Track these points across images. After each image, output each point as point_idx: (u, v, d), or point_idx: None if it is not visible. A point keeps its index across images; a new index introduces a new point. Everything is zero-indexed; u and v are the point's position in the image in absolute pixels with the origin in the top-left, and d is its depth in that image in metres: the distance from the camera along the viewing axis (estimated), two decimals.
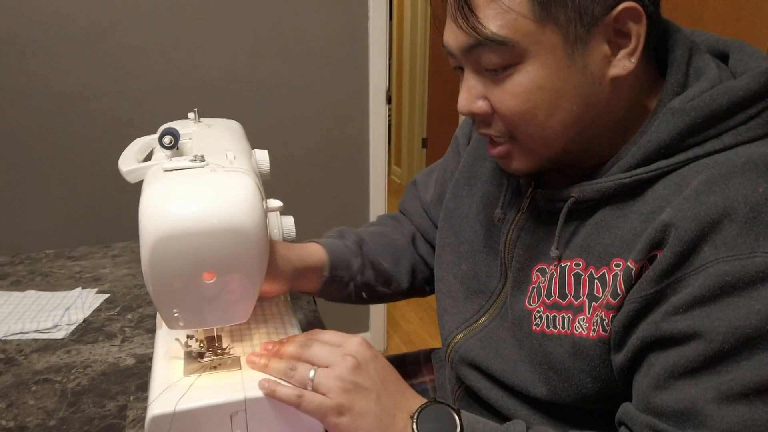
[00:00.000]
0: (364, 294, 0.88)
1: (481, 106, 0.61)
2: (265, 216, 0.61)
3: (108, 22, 1.68)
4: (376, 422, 0.60)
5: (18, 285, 1.05)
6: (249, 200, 0.57)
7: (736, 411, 0.50)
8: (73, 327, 0.92)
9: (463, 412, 0.61)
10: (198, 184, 0.58)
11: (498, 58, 0.57)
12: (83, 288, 1.04)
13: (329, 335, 0.66)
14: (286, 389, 0.60)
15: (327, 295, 0.86)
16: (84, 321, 0.94)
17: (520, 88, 0.58)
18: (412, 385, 0.97)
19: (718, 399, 0.51)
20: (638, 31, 0.56)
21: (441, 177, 0.92)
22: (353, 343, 0.64)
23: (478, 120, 0.64)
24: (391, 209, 2.19)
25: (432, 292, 0.95)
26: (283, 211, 0.84)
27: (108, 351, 0.86)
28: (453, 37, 0.60)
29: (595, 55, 0.56)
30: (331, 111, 2.00)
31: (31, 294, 1.01)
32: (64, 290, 1.03)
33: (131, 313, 0.96)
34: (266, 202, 0.67)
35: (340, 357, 0.62)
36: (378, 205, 2.17)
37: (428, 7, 3.79)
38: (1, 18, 1.59)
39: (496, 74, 0.58)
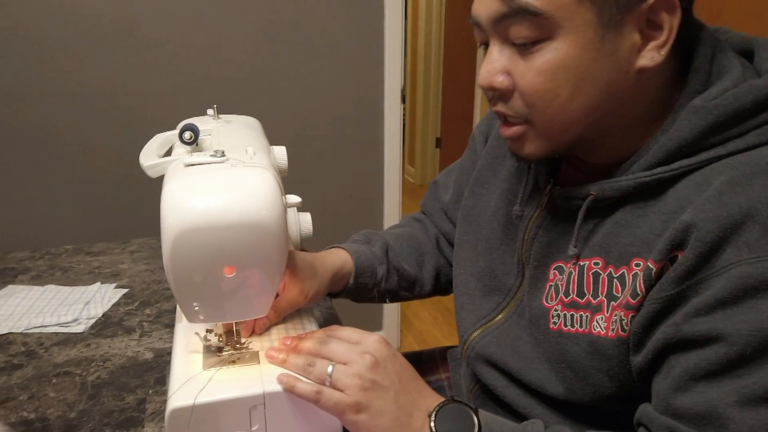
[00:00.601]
0: (387, 299, 0.90)
1: (502, 81, 0.60)
2: (285, 211, 0.62)
3: (129, 20, 1.70)
4: (394, 420, 0.60)
5: (38, 280, 1.07)
6: (269, 195, 0.58)
7: (758, 414, 0.49)
8: (92, 321, 0.93)
9: (481, 411, 0.61)
10: (219, 179, 0.58)
11: (528, 30, 0.55)
12: (102, 283, 1.05)
13: (347, 332, 0.66)
14: (304, 385, 0.61)
15: (347, 297, 0.87)
16: (103, 315, 0.95)
17: (546, 65, 0.56)
18: (428, 382, 0.97)
19: (740, 402, 0.50)
20: (671, 23, 0.55)
21: (459, 177, 0.92)
22: (372, 340, 0.64)
23: (496, 96, 0.62)
24: (404, 208, 2.19)
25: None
26: (300, 209, 0.85)
27: (127, 345, 0.86)
28: (484, 6, 0.58)
29: (626, 42, 0.56)
30: (346, 109, 2.01)
31: (52, 288, 1.02)
32: (84, 285, 1.04)
33: (149, 308, 0.97)
34: (285, 198, 0.67)
35: (358, 354, 0.62)
36: (392, 204, 2.17)
37: (443, 6, 3.78)
38: (27, 17, 1.61)
39: (524, 49, 0.57)
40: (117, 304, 0.98)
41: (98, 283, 1.04)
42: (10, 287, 1.03)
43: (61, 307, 0.95)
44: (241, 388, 0.61)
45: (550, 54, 0.56)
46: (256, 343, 0.69)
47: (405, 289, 0.91)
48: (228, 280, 0.59)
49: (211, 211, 0.55)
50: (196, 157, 0.61)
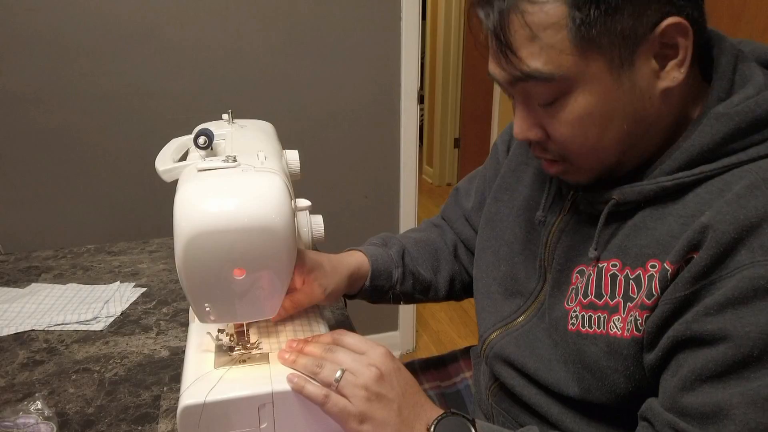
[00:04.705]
0: (401, 301, 0.91)
1: (536, 133, 0.63)
2: (294, 215, 0.63)
3: (149, 24, 1.73)
4: None
5: (61, 278, 1.10)
6: (278, 200, 0.59)
7: (762, 417, 0.50)
8: (111, 319, 0.95)
9: (478, 423, 0.63)
10: (230, 184, 0.60)
11: (545, 91, 0.58)
12: (121, 282, 1.07)
13: (353, 340, 0.67)
14: (314, 388, 0.62)
15: (363, 298, 0.89)
16: (122, 314, 0.97)
17: (571, 116, 0.59)
18: (455, 383, 0.99)
19: (744, 404, 0.50)
20: (686, 43, 0.56)
21: (481, 184, 0.94)
22: (378, 353, 0.65)
23: (534, 144, 0.66)
24: (421, 209, 2.20)
25: (467, 298, 0.97)
26: (314, 210, 0.86)
27: (144, 343, 0.89)
28: (497, 69, 0.61)
29: (643, 71, 0.57)
30: (363, 111, 2.02)
31: (73, 287, 1.05)
32: (104, 284, 1.07)
33: (166, 307, 1.00)
34: (295, 202, 0.69)
35: (364, 366, 0.63)
36: (408, 204, 2.17)
37: (462, 6, 3.78)
38: (51, 22, 1.65)
39: (547, 105, 0.60)
40: (135, 303, 1.01)
41: (118, 282, 1.07)
42: (34, 285, 1.06)
43: (81, 306, 0.98)
44: (251, 386, 0.63)
45: (571, 106, 0.58)
46: (265, 344, 0.71)
47: (420, 293, 0.93)
48: (238, 281, 0.60)
49: (221, 215, 0.57)
50: (209, 162, 0.63)
